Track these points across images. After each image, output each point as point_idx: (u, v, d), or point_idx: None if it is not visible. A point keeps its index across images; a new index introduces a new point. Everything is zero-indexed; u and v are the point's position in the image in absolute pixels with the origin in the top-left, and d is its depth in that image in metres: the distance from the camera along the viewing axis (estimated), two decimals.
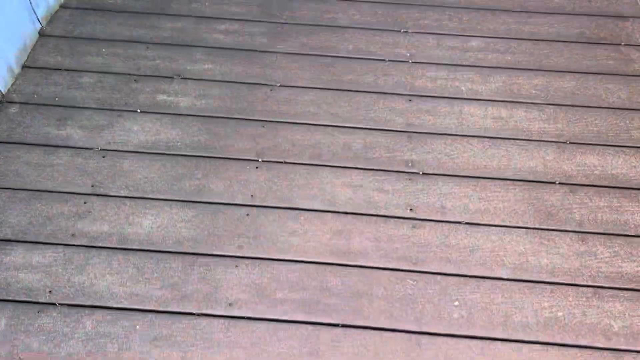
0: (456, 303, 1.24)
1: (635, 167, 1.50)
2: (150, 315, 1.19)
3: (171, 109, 1.59)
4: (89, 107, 1.58)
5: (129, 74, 1.67)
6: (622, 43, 1.82)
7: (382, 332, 1.19)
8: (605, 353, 1.18)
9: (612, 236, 1.36)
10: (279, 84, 1.67)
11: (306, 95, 1.65)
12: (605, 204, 1.42)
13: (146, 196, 1.39)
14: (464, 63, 1.76)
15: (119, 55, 1.72)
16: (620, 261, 1.31)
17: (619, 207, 1.41)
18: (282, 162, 1.48)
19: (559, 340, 1.19)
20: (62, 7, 1.86)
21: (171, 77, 1.67)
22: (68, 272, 1.24)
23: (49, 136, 1.50)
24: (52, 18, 1.81)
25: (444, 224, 1.37)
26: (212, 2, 1.90)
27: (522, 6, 1.94)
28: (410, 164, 1.49)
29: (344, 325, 1.20)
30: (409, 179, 1.46)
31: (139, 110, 1.58)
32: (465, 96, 1.66)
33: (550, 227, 1.37)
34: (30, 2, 1.71)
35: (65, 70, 1.67)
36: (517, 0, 1.96)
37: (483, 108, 1.63)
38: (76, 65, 1.68)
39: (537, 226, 1.38)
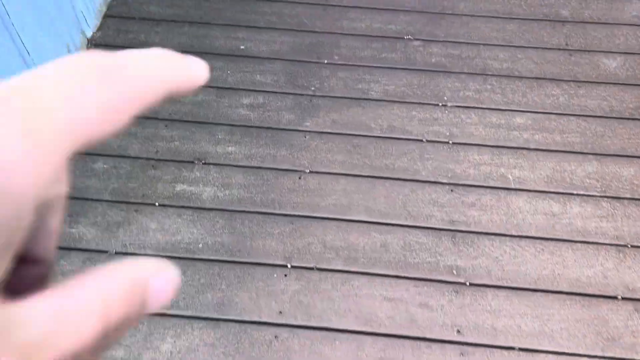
0: None
1: None
2: None
3: (192, 201, 1.46)
4: (102, 200, 1.46)
5: (147, 158, 1.55)
6: None
7: None
8: None
9: None
10: (308, 170, 1.54)
11: (338, 183, 1.51)
12: None
13: (166, 312, 1.27)
14: (509, 144, 1.61)
15: (136, 135, 1.60)
16: None
17: None
18: (312, 269, 1.35)
19: None
20: None
21: (192, 162, 1.54)
22: None
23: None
24: None
25: (495, 349, 1.23)
26: (235, 69, 1.76)
27: (570, 74, 1.79)
28: (455, 272, 1.35)
29: None
30: (455, 291, 1.32)
31: (157, 204, 1.45)
32: (512, 186, 1.52)
33: (614, 356, 1.23)
34: None
35: (79, 156, 1.55)
36: (564, 67, 1.81)
37: (532, 201, 1.49)
38: (90, 151, 1.56)
39: (599, 354, 1.23)
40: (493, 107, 1.70)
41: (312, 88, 1.74)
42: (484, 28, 1.92)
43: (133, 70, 0.15)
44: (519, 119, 1.67)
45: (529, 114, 1.69)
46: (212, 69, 1.67)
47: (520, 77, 1.78)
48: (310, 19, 1.93)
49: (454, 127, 1.65)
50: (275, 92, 1.72)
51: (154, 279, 0.16)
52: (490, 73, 1.79)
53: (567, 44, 1.87)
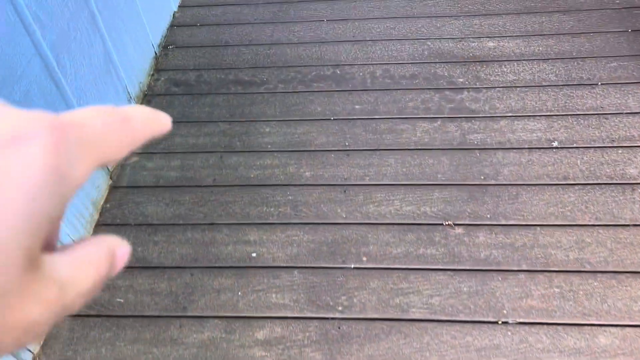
0: None
1: None
2: None
3: None
4: None
5: None
6: None
7: None
8: None
9: None
10: None
11: None
12: None
13: None
14: None
15: None
16: None
17: None
18: None
19: None
20: None
21: None
22: None
23: None
24: None
25: None
26: (247, 287, 1.49)
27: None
28: None
29: None
30: None
31: None
32: None
33: None
34: None
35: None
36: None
37: None
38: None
39: None
40: (567, 321, 1.37)
41: (340, 308, 1.44)
42: (537, 201, 1.61)
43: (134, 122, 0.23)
44: (602, 339, 1.33)
45: (613, 328, 1.34)
46: (221, 291, 1.39)
47: (594, 272, 1.45)
48: (329, 205, 1.66)
49: (521, 358, 1.31)
50: (296, 318, 1.43)
51: (118, 249, 0.23)
52: (555, 269, 1.46)
53: None
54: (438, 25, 2.25)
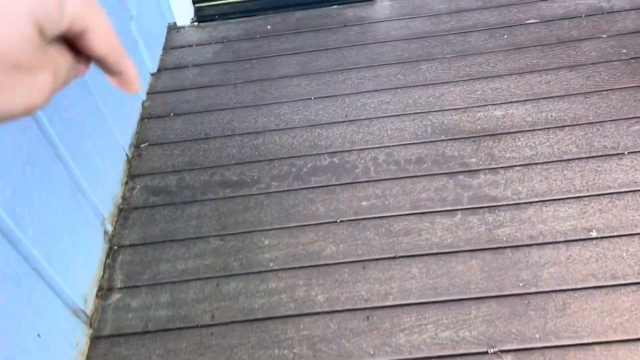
0: None
1: None
2: None
3: None
4: None
5: None
6: None
7: None
8: None
9: None
10: None
11: None
12: None
13: None
14: None
15: None
16: None
17: None
18: None
19: None
20: None
21: None
22: None
23: None
24: None
25: None
26: None
27: None
28: None
29: None
30: None
31: None
32: None
33: None
34: None
35: None
36: None
37: None
38: None
39: None
40: None
41: None
42: (589, 311, 1.41)
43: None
44: None
45: None
46: None
47: None
48: (352, 339, 1.42)
49: None
50: None
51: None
52: None
53: None
54: (437, 94, 2.06)
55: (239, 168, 1.91)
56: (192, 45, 2.49)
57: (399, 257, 1.59)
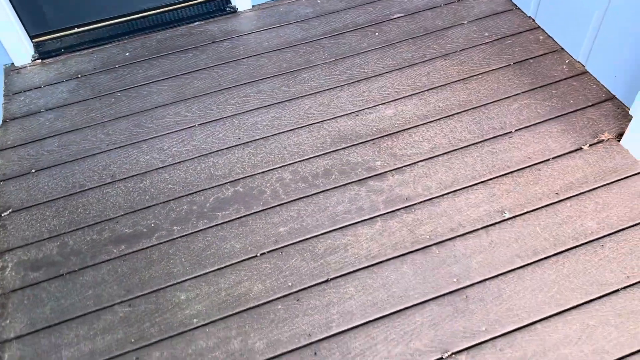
0: None
1: None
2: None
3: None
4: None
5: None
6: None
7: None
8: None
9: None
10: None
11: None
12: None
13: None
14: None
15: None
16: None
17: None
18: None
19: None
20: None
21: None
22: None
23: None
24: None
25: None
26: None
27: None
28: None
29: None
30: None
31: None
32: None
33: None
34: None
35: None
36: None
37: None
38: None
39: None
40: None
41: None
42: (523, 292, 1.44)
43: None
44: None
45: None
46: None
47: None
48: None
49: None
50: None
51: None
52: None
53: None
54: (326, 101, 2.00)
55: (131, 218, 1.68)
56: (40, 87, 2.16)
57: (331, 279, 1.50)
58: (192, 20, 2.42)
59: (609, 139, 1.77)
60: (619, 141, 1.75)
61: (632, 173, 1.66)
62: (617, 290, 1.43)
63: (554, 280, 1.46)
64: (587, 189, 1.65)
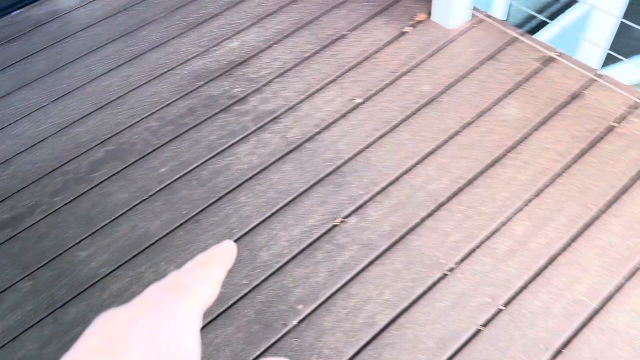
0: None
1: None
2: None
3: None
4: None
5: None
6: None
7: None
8: None
9: None
10: None
11: None
12: None
13: None
14: None
15: None
16: None
17: None
18: None
19: None
20: None
21: None
22: None
23: None
24: None
25: None
26: None
27: None
28: None
29: None
30: None
31: None
32: None
33: None
34: None
35: None
36: None
37: None
38: None
39: None
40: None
41: None
42: (385, 154, 1.66)
43: None
44: None
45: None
46: None
47: (470, 181, 1.58)
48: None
49: None
50: None
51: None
52: (443, 199, 1.55)
53: None
54: (171, 50, 2.06)
55: (6, 204, 1.64)
56: None
57: (222, 196, 1.61)
58: (8, 11, 2.31)
59: (423, 19, 2.04)
60: (430, 18, 2.03)
61: (446, 40, 1.95)
62: (458, 131, 1.70)
63: (408, 138, 1.69)
64: (417, 62, 1.90)
